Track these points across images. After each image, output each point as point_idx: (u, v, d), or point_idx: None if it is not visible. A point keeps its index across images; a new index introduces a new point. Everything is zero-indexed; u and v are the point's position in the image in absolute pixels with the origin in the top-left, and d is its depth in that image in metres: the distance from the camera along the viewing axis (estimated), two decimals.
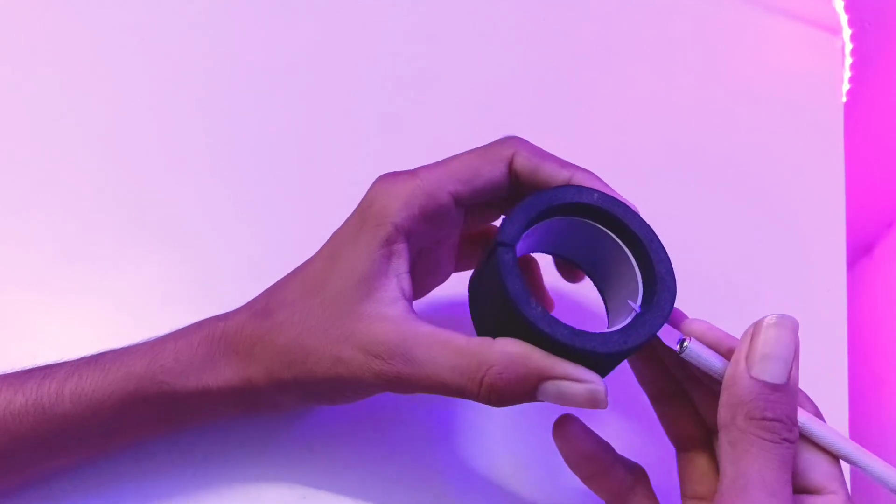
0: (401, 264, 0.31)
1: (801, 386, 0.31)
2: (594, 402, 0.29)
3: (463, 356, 0.29)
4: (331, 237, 0.33)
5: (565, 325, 0.29)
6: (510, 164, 0.32)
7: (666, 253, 0.32)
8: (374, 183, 0.32)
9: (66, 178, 0.42)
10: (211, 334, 0.32)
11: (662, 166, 0.50)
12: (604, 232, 0.33)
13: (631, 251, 0.33)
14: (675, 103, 0.53)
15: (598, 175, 0.33)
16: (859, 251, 0.67)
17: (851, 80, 0.59)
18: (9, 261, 0.40)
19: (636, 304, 0.31)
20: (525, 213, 0.31)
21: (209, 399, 0.32)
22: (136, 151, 0.44)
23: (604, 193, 0.32)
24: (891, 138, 0.64)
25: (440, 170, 0.32)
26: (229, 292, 0.35)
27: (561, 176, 0.32)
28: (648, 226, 0.32)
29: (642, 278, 0.32)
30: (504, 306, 0.29)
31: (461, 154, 0.33)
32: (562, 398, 0.29)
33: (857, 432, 0.46)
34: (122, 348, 0.33)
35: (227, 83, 0.47)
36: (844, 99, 0.58)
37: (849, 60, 0.59)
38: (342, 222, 0.33)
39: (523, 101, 0.51)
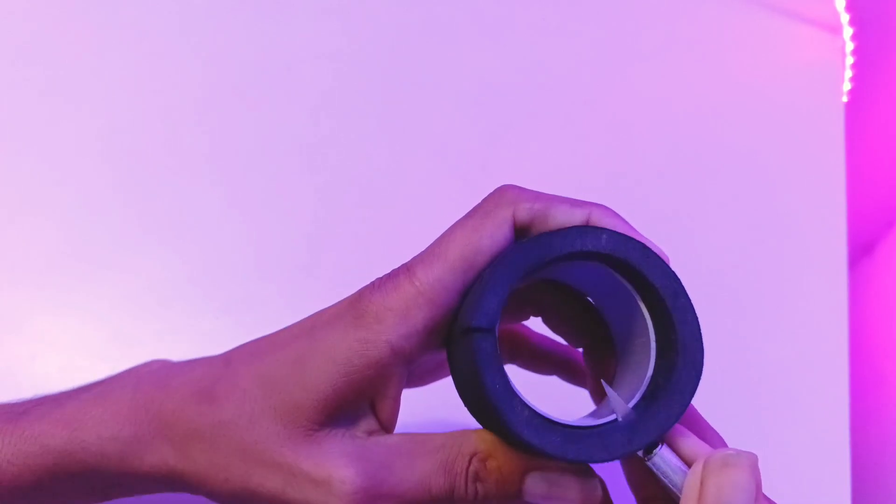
0: (388, 388, 0.26)
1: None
2: (589, 498, 0.26)
3: (445, 452, 0.26)
4: (313, 319, 0.28)
5: (558, 428, 0.24)
6: (513, 225, 0.27)
7: (694, 313, 0.26)
8: (366, 289, 0.27)
9: (66, 178, 0.42)
10: (143, 408, 0.27)
11: (662, 166, 0.50)
12: (616, 278, 0.27)
13: (647, 307, 0.27)
14: (675, 103, 0.53)
15: (616, 209, 0.29)
16: (860, 251, 0.67)
17: (852, 79, 0.59)
18: (9, 261, 0.40)
19: (645, 380, 0.26)
20: (506, 279, 0.25)
21: (138, 480, 0.28)
22: (136, 152, 0.44)
23: (615, 233, 0.26)
24: (892, 138, 0.64)
25: (438, 264, 0.26)
26: (229, 293, 0.35)
27: (575, 219, 0.27)
28: (675, 276, 0.26)
29: (657, 342, 0.27)
30: (482, 400, 0.25)
31: (453, 232, 0.27)
32: (551, 493, 0.26)
33: (858, 432, 0.46)
34: (37, 406, 0.28)
35: (227, 83, 0.47)
36: (845, 99, 0.58)
37: (850, 60, 0.58)
38: (330, 303, 0.28)
39: (523, 101, 0.50)
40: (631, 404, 0.26)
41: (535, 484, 0.26)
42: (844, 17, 0.58)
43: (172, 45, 0.47)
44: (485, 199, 0.28)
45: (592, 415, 0.28)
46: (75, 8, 0.47)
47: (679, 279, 0.26)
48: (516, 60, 0.52)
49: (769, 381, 0.46)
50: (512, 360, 0.34)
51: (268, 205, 0.43)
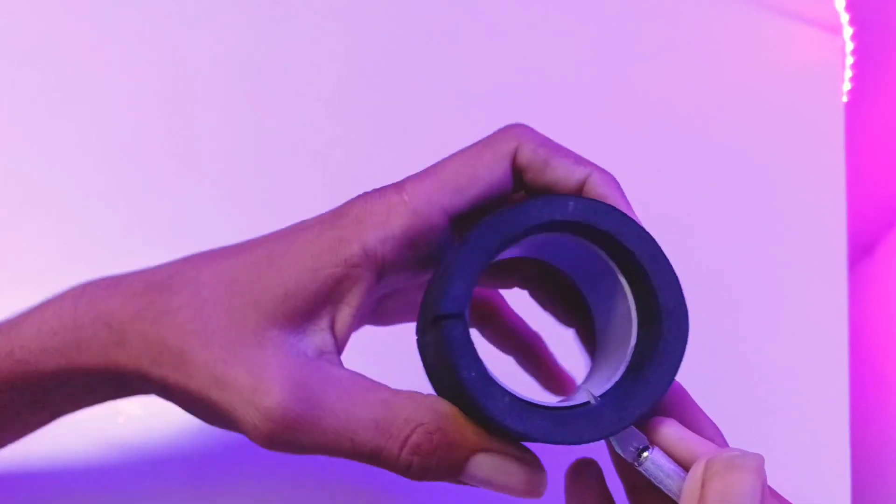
0: (352, 295, 0.25)
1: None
2: (531, 490, 0.24)
3: (387, 409, 0.24)
4: (291, 227, 0.27)
5: (542, 411, 0.23)
6: (513, 161, 0.26)
7: (675, 276, 0.25)
8: (351, 199, 0.27)
9: (66, 178, 0.42)
10: (87, 302, 0.26)
11: (662, 166, 0.50)
12: (591, 250, 0.26)
13: (626, 276, 0.26)
14: (674, 103, 0.53)
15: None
16: (860, 251, 0.67)
17: (852, 79, 0.59)
18: (9, 261, 0.40)
19: (628, 351, 0.25)
20: (473, 260, 0.24)
21: (81, 379, 0.26)
22: (137, 152, 0.44)
23: (582, 199, 0.25)
24: (892, 138, 0.64)
25: (429, 180, 0.26)
26: None
27: (574, 176, 0.26)
28: (651, 238, 0.25)
29: (639, 312, 0.26)
30: (458, 390, 0.24)
31: (454, 155, 0.27)
32: (494, 479, 0.24)
33: (858, 432, 0.46)
34: None
35: (227, 82, 0.47)
36: (845, 99, 0.58)
37: (850, 60, 0.58)
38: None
39: (523, 101, 0.50)
40: (616, 377, 0.25)
41: (479, 467, 0.24)
42: (844, 17, 0.58)
43: (174, 45, 0.47)
44: (493, 132, 0.27)
45: (569, 398, 0.27)
46: (75, 8, 0.47)
47: (656, 242, 0.25)
48: (516, 61, 0.52)
49: (769, 381, 0.46)
50: (477, 327, 0.32)
51: (270, 205, 0.44)
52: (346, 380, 0.24)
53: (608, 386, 0.25)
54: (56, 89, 0.45)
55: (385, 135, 0.47)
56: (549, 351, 0.33)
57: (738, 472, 0.22)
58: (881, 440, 0.56)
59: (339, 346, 0.26)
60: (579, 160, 0.27)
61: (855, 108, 0.58)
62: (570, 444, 0.23)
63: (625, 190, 0.28)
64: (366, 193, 0.26)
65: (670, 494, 0.24)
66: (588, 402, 0.24)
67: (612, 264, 0.26)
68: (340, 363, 0.25)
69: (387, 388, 0.25)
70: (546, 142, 0.27)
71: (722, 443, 0.27)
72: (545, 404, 0.24)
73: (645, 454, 0.24)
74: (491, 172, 0.26)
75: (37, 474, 0.35)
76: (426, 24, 0.52)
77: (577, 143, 0.50)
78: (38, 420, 0.28)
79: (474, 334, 0.26)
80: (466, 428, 0.24)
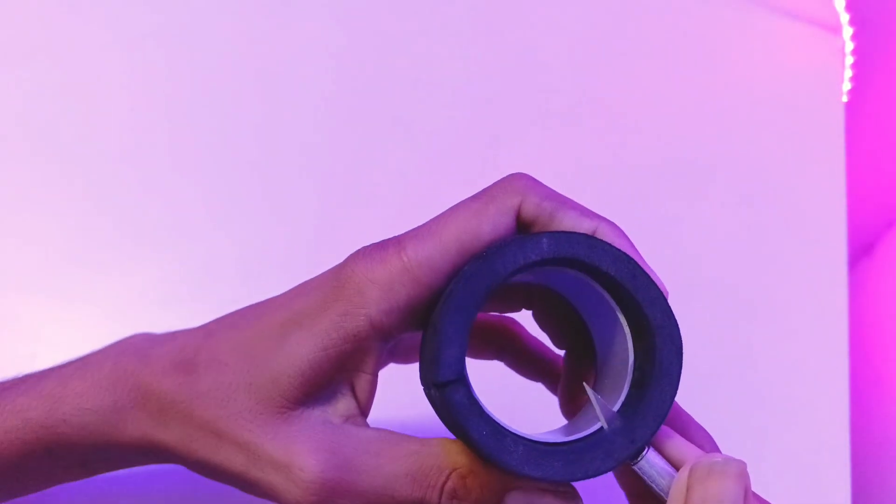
0: (366, 364, 0.26)
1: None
2: None
3: (419, 460, 0.25)
4: (297, 289, 0.27)
5: (556, 452, 0.24)
6: (518, 216, 0.26)
7: (658, 290, 0.25)
8: (351, 258, 0.26)
9: (66, 178, 0.42)
10: (121, 379, 0.27)
11: (662, 166, 0.50)
12: (578, 276, 0.26)
13: (616, 299, 0.26)
14: (674, 103, 0.53)
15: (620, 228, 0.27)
16: (860, 251, 0.67)
17: (852, 79, 0.59)
18: (9, 262, 0.40)
19: (628, 370, 0.25)
20: (460, 319, 0.24)
21: (119, 451, 0.27)
22: (135, 152, 0.44)
23: (555, 235, 0.25)
24: (892, 138, 0.64)
25: (431, 242, 0.25)
26: (230, 294, 0.35)
27: (581, 229, 0.26)
28: (627, 258, 0.25)
29: (633, 331, 0.26)
30: (471, 446, 0.24)
31: (454, 212, 0.26)
32: None
33: (857, 432, 0.46)
34: (19, 383, 0.28)
35: (225, 84, 0.47)
36: (845, 99, 0.58)
37: (849, 60, 0.58)
38: (316, 274, 0.27)
39: (523, 101, 0.50)
40: (620, 400, 0.25)
41: (516, 501, 0.25)
42: (844, 17, 0.58)
43: (169, 47, 0.47)
44: (494, 184, 0.27)
45: (577, 423, 0.27)
46: (75, 8, 0.47)
47: (633, 260, 0.25)
48: (517, 61, 0.52)
49: (769, 381, 0.46)
50: (499, 357, 0.33)
51: (268, 206, 0.43)
52: (374, 440, 0.25)
53: (614, 410, 0.25)
54: (54, 90, 0.45)
55: (385, 135, 0.47)
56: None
57: (720, 477, 0.23)
58: (881, 440, 0.56)
59: (364, 409, 0.26)
60: (585, 212, 0.26)
61: (855, 108, 0.58)
62: (587, 478, 0.24)
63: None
64: (365, 253, 0.26)
65: (661, 493, 0.25)
66: (601, 429, 0.25)
67: (601, 289, 0.26)
68: (366, 424, 0.26)
69: (415, 439, 0.25)
70: (550, 194, 0.26)
71: (712, 448, 0.27)
72: (559, 441, 0.24)
73: (641, 454, 0.25)
74: (495, 230, 0.25)
75: None
76: (426, 24, 0.52)
77: (577, 142, 0.50)
78: (72, 477, 0.29)
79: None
80: (493, 469, 0.25)
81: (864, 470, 0.50)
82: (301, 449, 0.24)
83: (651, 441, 0.25)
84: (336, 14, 0.50)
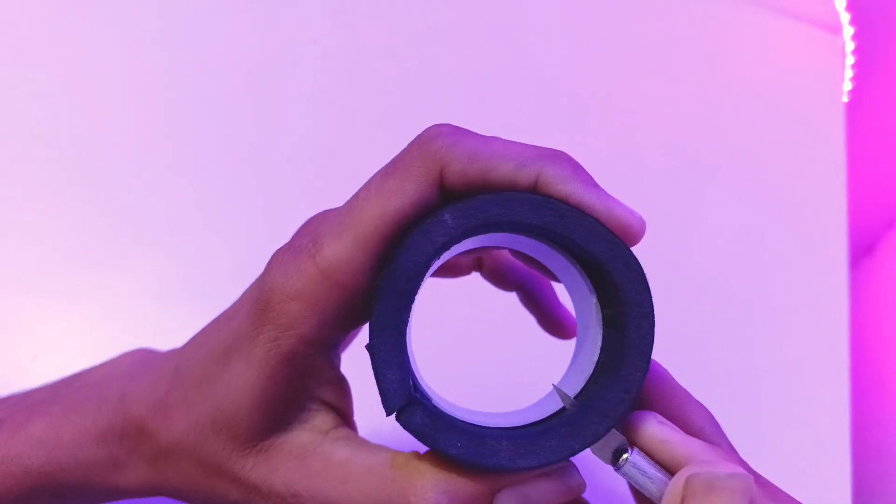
0: (322, 373, 0.24)
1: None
2: (571, 492, 0.23)
3: (388, 487, 0.23)
4: (231, 311, 0.26)
5: (548, 430, 0.22)
6: (440, 185, 0.23)
7: (624, 247, 0.22)
8: (268, 268, 0.24)
9: (65, 179, 0.42)
10: (110, 429, 0.26)
11: (662, 166, 0.50)
12: (542, 245, 0.23)
13: (578, 261, 0.23)
14: (675, 103, 0.53)
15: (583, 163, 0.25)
16: (861, 251, 0.67)
17: (853, 79, 0.59)
18: (9, 262, 0.40)
19: (597, 343, 0.22)
20: (391, 336, 0.21)
21: (121, 494, 0.27)
22: (134, 153, 0.44)
23: (458, 209, 0.22)
24: (892, 138, 0.64)
25: (347, 239, 0.22)
26: (229, 293, 0.35)
27: (521, 183, 0.23)
28: (582, 215, 0.22)
29: (599, 296, 0.23)
30: (453, 461, 0.22)
31: (368, 194, 0.23)
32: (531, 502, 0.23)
33: (858, 432, 0.46)
34: (13, 414, 0.28)
35: (222, 84, 0.47)
36: (846, 99, 0.58)
37: (850, 60, 0.58)
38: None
39: (524, 102, 0.50)
40: (587, 375, 0.23)
41: (507, 501, 0.23)
42: (844, 17, 0.58)
43: (168, 48, 0.47)
44: (409, 147, 0.23)
45: (550, 397, 0.25)
46: (74, 8, 0.47)
47: (593, 218, 0.22)
48: (517, 61, 0.52)
49: (769, 381, 0.46)
50: (478, 270, 0.32)
51: (266, 206, 0.43)
52: (342, 463, 0.24)
53: (579, 387, 0.23)
54: (53, 91, 0.45)
55: (384, 135, 0.47)
56: (549, 290, 0.31)
57: (721, 493, 0.20)
58: (881, 440, 0.56)
59: (344, 412, 0.25)
60: (521, 161, 0.23)
61: (855, 108, 0.58)
62: (588, 446, 0.22)
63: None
64: (281, 261, 0.24)
65: (652, 498, 0.22)
66: (563, 410, 0.23)
67: (562, 252, 0.23)
68: (347, 435, 0.24)
69: (386, 460, 0.23)
70: (475, 152, 0.22)
71: (712, 431, 0.25)
72: (544, 417, 0.23)
73: (624, 457, 0.22)
74: (416, 207, 0.22)
75: None
76: (426, 24, 0.52)
77: (577, 142, 0.50)
78: None
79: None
80: (474, 478, 0.23)
81: (864, 470, 0.50)
82: (281, 481, 0.24)
83: (620, 451, 0.22)
84: (330, 17, 0.51)
